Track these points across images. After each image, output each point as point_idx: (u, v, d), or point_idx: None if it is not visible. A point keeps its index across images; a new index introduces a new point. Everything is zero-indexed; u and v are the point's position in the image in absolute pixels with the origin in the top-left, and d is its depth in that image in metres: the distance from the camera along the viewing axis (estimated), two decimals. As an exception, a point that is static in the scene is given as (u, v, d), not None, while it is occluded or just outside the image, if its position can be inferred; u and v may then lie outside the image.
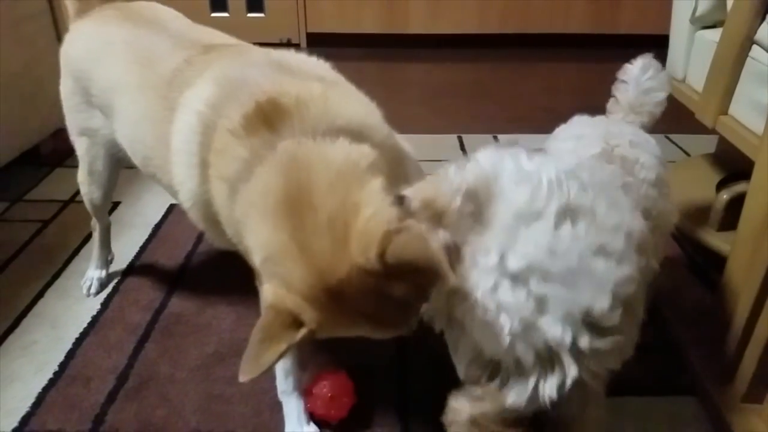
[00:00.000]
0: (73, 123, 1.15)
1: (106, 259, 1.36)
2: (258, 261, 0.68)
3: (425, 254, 0.59)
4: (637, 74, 1.12)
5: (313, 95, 0.75)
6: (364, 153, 0.71)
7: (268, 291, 0.66)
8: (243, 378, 0.62)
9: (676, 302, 1.28)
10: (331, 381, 0.98)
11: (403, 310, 0.68)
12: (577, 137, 0.99)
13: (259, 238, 0.69)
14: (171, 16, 1.06)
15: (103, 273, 1.35)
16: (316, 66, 0.88)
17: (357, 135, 0.73)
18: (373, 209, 0.64)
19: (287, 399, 0.99)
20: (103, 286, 1.34)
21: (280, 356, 0.64)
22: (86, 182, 1.22)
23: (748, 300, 0.97)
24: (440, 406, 0.72)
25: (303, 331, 0.64)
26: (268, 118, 0.72)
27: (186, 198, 0.86)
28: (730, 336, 1.02)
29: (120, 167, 1.20)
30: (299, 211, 0.65)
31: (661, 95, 1.14)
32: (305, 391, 0.99)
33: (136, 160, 1.04)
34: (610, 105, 1.15)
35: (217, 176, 0.76)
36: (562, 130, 1.05)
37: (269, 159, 0.70)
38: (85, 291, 1.32)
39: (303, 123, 0.72)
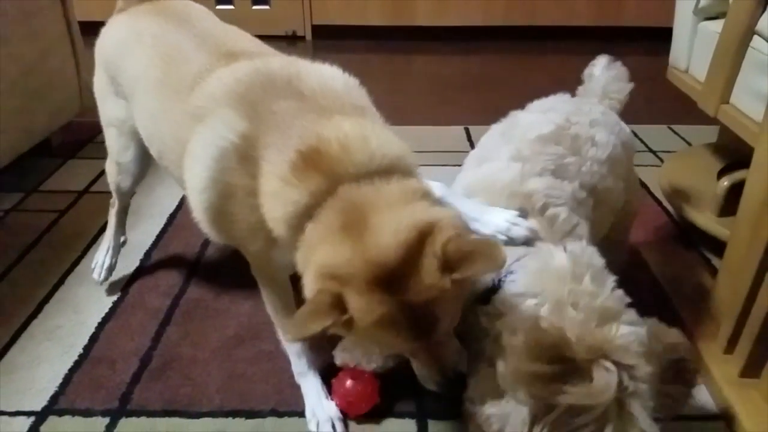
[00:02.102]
0: (103, 113, 1.20)
1: (119, 242, 1.36)
2: (313, 273, 0.75)
3: (484, 241, 0.73)
4: (600, 72, 1.20)
5: (349, 137, 0.79)
6: (416, 186, 0.79)
7: (318, 281, 0.73)
8: (287, 338, 0.74)
9: (677, 285, 1.33)
10: (355, 377, 1.01)
11: (443, 315, 0.74)
12: (545, 110, 1.06)
13: (320, 257, 0.75)
14: (201, 14, 1.09)
15: (114, 259, 1.33)
16: (335, 85, 0.90)
17: (404, 170, 0.81)
18: (438, 224, 0.72)
19: (304, 379, 1.04)
20: (110, 272, 1.32)
21: (323, 329, 0.70)
22: (114, 172, 1.25)
23: (746, 281, 1.01)
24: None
25: (347, 316, 0.71)
26: (317, 165, 0.78)
27: (199, 201, 0.90)
28: (729, 315, 1.06)
29: (150, 156, 1.20)
30: (362, 232, 0.73)
31: (626, 87, 1.20)
32: (331, 387, 1.03)
33: (152, 151, 1.09)
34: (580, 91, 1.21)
35: (271, 218, 0.82)
36: (537, 104, 1.12)
37: (330, 202, 0.76)
38: (96, 276, 1.31)
39: (355, 166, 0.78)
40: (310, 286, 0.74)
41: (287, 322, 0.76)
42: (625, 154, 1.07)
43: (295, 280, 0.94)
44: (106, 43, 1.13)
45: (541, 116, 1.03)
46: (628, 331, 0.71)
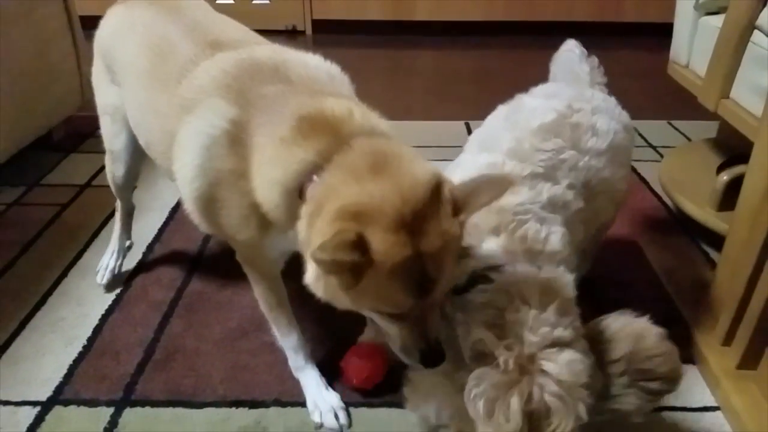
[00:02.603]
0: (98, 101, 1.20)
1: (124, 245, 1.38)
2: (329, 217, 0.72)
3: (483, 177, 0.75)
4: (579, 52, 1.21)
5: (342, 110, 0.81)
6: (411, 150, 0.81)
7: (337, 223, 0.71)
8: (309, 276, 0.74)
9: (676, 278, 1.34)
10: (360, 354, 1.04)
11: (446, 270, 0.74)
12: (548, 96, 1.07)
13: (336, 203, 0.73)
14: (194, 4, 1.10)
15: (119, 262, 1.35)
16: (319, 74, 0.92)
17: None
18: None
19: (302, 373, 1.05)
20: (115, 276, 1.33)
21: (342, 268, 0.69)
22: (109, 161, 1.25)
23: (744, 275, 1.02)
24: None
25: (366, 257, 0.69)
26: (324, 125, 0.79)
27: (189, 190, 0.90)
28: (727, 309, 1.07)
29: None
30: (383, 176, 0.73)
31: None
32: (344, 361, 1.05)
33: (140, 141, 1.09)
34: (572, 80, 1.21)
35: (267, 188, 0.81)
36: (541, 88, 1.13)
37: (341, 155, 0.76)
38: (99, 278, 1.32)
39: (360, 127, 0.79)
40: (325, 230, 0.71)
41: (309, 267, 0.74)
42: (627, 139, 1.07)
43: (286, 276, 0.95)
44: (102, 32, 1.14)
45: (545, 102, 1.03)
46: (570, 359, 0.72)
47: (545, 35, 3.31)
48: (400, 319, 0.77)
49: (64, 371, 1.10)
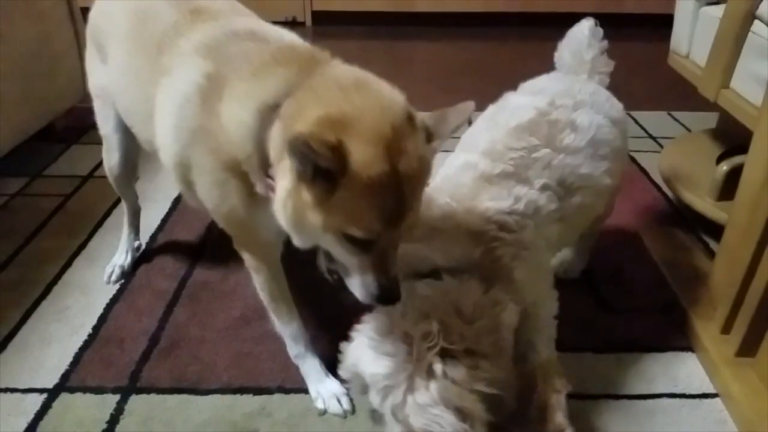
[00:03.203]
0: (90, 85, 1.19)
1: (132, 245, 1.38)
2: (313, 117, 0.71)
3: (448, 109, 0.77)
4: (588, 35, 1.19)
5: (315, 58, 0.83)
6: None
7: (318, 128, 0.69)
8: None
9: (676, 268, 1.35)
10: None
11: (417, 199, 0.76)
12: (535, 92, 1.08)
13: (314, 112, 0.72)
14: None
15: (128, 261, 1.35)
16: (297, 40, 0.93)
17: None
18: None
19: (302, 360, 1.05)
20: (124, 274, 1.34)
21: (318, 166, 0.67)
22: (104, 149, 1.25)
23: (743, 263, 1.03)
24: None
25: (342, 165, 0.67)
26: (295, 56, 0.81)
27: (168, 155, 0.90)
28: (726, 297, 1.08)
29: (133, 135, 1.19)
30: (364, 91, 0.74)
31: (610, 62, 1.21)
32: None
33: (120, 109, 1.09)
34: (566, 68, 1.21)
35: (239, 114, 0.80)
36: (529, 84, 1.13)
37: (320, 73, 0.77)
38: (105, 278, 1.32)
39: (333, 58, 0.81)
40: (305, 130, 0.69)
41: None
42: (613, 133, 1.05)
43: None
44: (93, 11, 1.14)
45: (529, 100, 1.04)
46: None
47: (545, 26, 3.31)
48: (365, 249, 0.74)
49: (70, 359, 1.11)
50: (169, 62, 0.89)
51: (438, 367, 0.75)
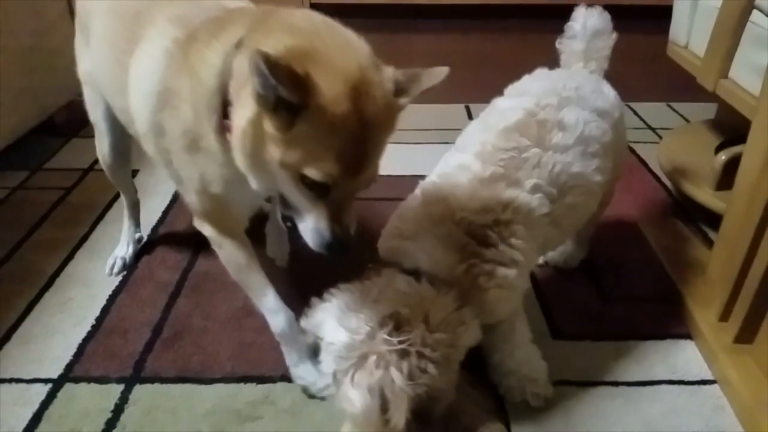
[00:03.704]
0: (78, 71, 1.19)
1: (133, 237, 1.38)
2: (281, 48, 0.70)
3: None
4: (583, 20, 1.19)
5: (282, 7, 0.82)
6: None
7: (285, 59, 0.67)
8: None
9: (675, 257, 1.36)
10: None
11: (379, 151, 0.75)
12: (519, 93, 1.08)
13: (280, 42, 0.71)
14: None
15: (129, 252, 1.35)
16: None
17: None
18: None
19: (284, 339, 1.01)
20: (126, 266, 1.34)
21: (282, 88, 0.65)
22: (96, 138, 1.25)
23: (741, 252, 1.04)
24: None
25: (309, 95, 0.66)
26: (254, 11, 0.81)
27: (141, 123, 0.91)
28: (724, 285, 1.09)
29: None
30: (327, 30, 0.74)
31: (610, 38, 1.20)
32: None
33: (101, 85, 1.09)
34: (564, 58, 1.22)
35: (205, 72, 0.80)
36: (512, 88, 1.13)
37: (284, 14, 0.76)
38: (107, 270, 1.32)
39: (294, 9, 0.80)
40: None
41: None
42: (602, 128, 1.03)
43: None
44: None
45: (515, 101, 1.04)
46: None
47: (544, 18, 3.30)
48: (321, 195, 0.73)
49: (74, 350, 1.12)
50: (144, 32, 0.90)
51: (391, 357, 0.76)
